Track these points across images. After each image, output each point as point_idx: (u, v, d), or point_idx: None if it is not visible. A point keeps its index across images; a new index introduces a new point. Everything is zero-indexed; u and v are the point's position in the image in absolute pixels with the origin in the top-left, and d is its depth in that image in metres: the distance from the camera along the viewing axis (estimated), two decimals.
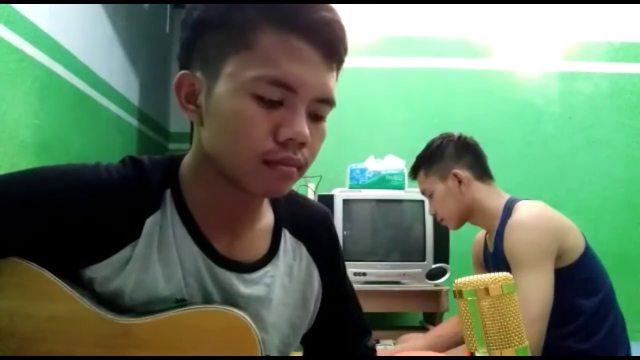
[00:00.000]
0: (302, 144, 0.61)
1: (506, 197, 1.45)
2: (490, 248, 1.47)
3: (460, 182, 1.44)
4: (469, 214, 1.47)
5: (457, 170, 1.44)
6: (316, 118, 0.63)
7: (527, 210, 1.34)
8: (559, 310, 1.25)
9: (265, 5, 0.60)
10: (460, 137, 1.50)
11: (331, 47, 0.61)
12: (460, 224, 1.51)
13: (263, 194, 0.70)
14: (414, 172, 1.54)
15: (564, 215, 1.38)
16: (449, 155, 1.47)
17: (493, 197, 1.44)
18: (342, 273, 0.87)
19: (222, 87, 0.61)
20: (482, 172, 1.47)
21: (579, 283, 1.31)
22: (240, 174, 0.63)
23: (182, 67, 0.66)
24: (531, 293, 1.21)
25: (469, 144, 1.49)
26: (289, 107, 0.60)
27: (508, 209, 1.39)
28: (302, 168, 0.64)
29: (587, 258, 1.34)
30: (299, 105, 0.60)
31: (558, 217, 1.35)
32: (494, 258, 1.43)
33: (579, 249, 1.33)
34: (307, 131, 0.60)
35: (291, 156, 0.61)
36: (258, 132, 0.59)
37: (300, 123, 0.60)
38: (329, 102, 0.63)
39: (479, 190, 1.44)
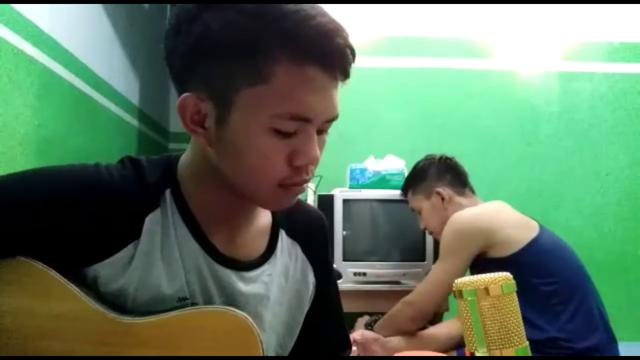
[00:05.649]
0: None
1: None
2: None
3: (442, 199, 1.63)
4: None
5: (439, 189, 1.64)
6: (320, 132, 0.65)
7: (462, 211, 1.56)
8: (520, 289, 1.36)
9: (280, 34, 0.57)
10: (441, 158, 1.70)
11: (344, 72, 0.62)
12: None
13: (274, 210, 0.76)
14: (404, 193, 1.77)
15: (514, 210, 1.58)
16: (431, 176, 1.67)
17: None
18: (332, 278, 0.88)
19: (236, 119, 0.61)
20: (463, 188, 1.67)
21: (530, 266, 1.46)
22: (255, 196, 0.67)
23: (178, 82, 0.65)
24: (429, 277, 1.56)
25: (449, 164, 1.69)
26: (303, 135, 0.62)
27: None
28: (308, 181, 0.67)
29: (535, 247, 1.49)
30: (312, 131, 0.62)
31: (492, 215, 1.55)
32: None
33: (519, 241, 1.48)
34: (319, 153, 0.63)
35: (305, 178, 0.64)
36: (276, 163, 0.62)
37: (314, 148, 0.62)
38: (335, 119, 0.65)
39: (460, 205, 1.61)
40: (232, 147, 0.62)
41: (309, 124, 0.61)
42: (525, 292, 1.39)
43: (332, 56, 0.60)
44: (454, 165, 1.69)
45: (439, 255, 1.56)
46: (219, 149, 0.64)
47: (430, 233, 1.75)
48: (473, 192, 1.69)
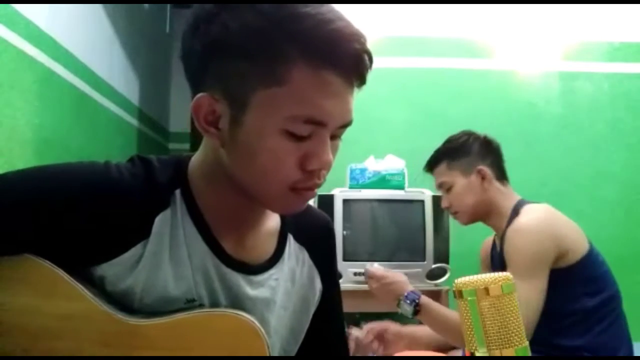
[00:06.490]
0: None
1: (517, 198, 1.49)
2: (498, 248, 1.50)
3: (483, 179, 1.48)
4: (484, 212, 1.50)
5: (482, 167, 1.48)
6: (333, 137, 0.64)
7: (528, 216, 1.38)
8: (561, 307, 1.31)
9: (297, 38, 0.58)
10: (486, 137, 1.55)
11: (360, 78, 0.63)
12: (472, 219, 1.53)
13: (284, 213, 0.75)
14: (434, 164, 1.55)
15: (565, 216, 1.42)
16: (475, 153, 1.51)
17: (507, 198, 1.49)
18: (337, 283, 0.88)
19: (250, 120, 0.60)
20: (501, 174, 1.53)
21: (584, 281, 1.36)
22: (266, 199, 0.66)
23: (192, 82, 0.65)
24: (520, 303, 1.22)
25: (493, 145, 1.55)
26: (317, 139, 0.61)
27: (515, 212, 1.43)
28: (320, 186, 0.66)
29: (592, 258, 1.38)
30: (326, 136, 0.62)
31: (558, 221, 1.40)
32: (499, 258, 1.46)
33: (582, 250, 1.37)
34: (331, 158, 0.63)
35: (316, 182, 0.64)
36: (288, 166, 0.62)
37: (327, 152, 0.62)
38: (349, 124, 0.65)
39: (497, 190, 1.49)
40: (244, 148, 0.62)
41: (324, 128, 0.61)
42: (569, 304, 1.33)
43: (349, 61, 0.60)
44: (497, 148, 1.55)
45: (518, 273, 1.19)
46: (231, 150, 0.64)
47: (455, 213, 1.54)
48: (508, 180, 1.54)
